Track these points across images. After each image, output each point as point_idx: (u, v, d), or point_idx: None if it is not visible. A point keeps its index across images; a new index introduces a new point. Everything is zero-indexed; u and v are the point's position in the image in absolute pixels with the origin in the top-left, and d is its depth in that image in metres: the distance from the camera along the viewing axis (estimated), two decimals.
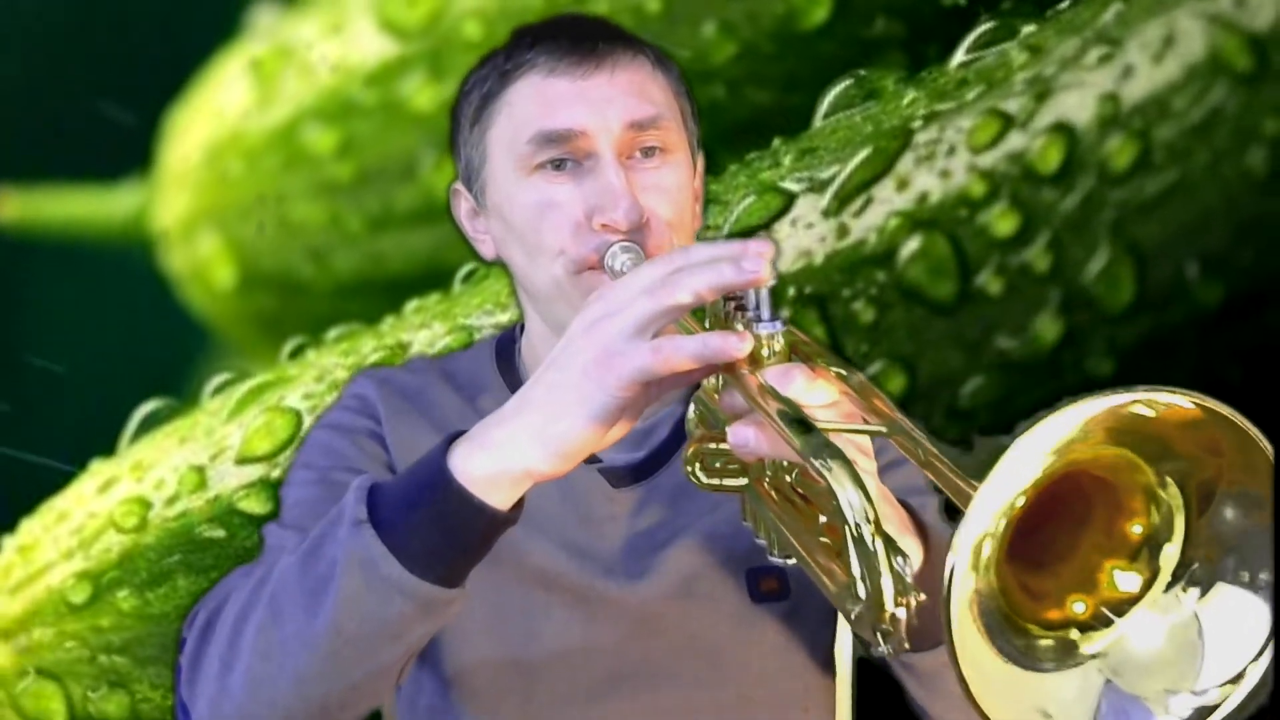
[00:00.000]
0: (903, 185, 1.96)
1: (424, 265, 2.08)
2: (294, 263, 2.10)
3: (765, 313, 0.99)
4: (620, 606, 1.29)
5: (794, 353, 1.01)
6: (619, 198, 1.24)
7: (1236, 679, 0.87)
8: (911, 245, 1.96)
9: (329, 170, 2.07)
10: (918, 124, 1.96)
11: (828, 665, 1.34)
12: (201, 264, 2.12)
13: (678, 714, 1.28)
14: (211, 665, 1.11)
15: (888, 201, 1.96)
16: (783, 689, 1.31)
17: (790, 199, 1.95)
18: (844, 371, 1.00)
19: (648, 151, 1.29)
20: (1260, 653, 0.87)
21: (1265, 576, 0.87)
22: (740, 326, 1.01)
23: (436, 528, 1.03)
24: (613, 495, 1.34)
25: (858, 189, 1.95)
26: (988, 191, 1.96)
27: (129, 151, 2.11)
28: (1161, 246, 2.00)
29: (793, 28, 2.03)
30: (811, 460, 0.89)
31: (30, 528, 2.00)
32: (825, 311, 1.97)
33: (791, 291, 1.94)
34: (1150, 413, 0.82)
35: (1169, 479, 0.87)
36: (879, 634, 0.87)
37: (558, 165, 1.27)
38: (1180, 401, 0.82)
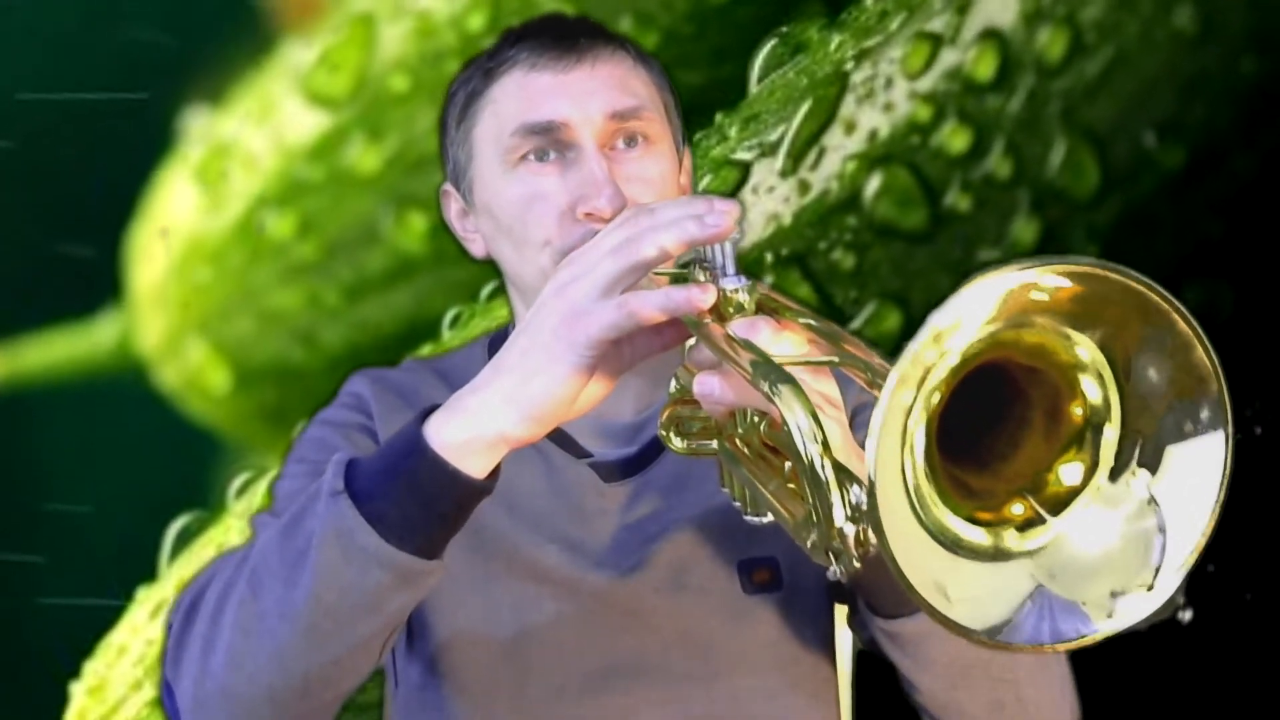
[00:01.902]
0: (850, 128, 1.97)
1: (409, 321, 2.09)
2: (283, 350, 2.11)
3: (730, 267, 1.01)
4: (611, 599, 1.29)
5: (761, 309, 1.01)
6: (602, 186, 1.25)
7: (1187, 561, 0.83)
8: (873, 184, 1.98)
9: (295, 253, 2.09)
10: (850, 65, 1.97)
11: (823, 656, 1.33)
12: (194, 374, 2.13)
13: (671, 706, 1.28)
14: (194, 645, 1.11)
15: (840, 148, 1.97)
16: (777, 681, 1.30)
17: (745, 169, 1.97)
18: (813, 321, 1.00)
19: (630, 141, 1.30)
20: (1214, 500, 0.82)
21: (1206, 413, 0.82)
22: (705, 279, 1.02)
23: (412, 497, 1.03)
24: (604, 490, 1.34)
25: (808, 143, 1.96)
26: (934, 114, 1.97)
27: (97, 284, 2.12)
28: (1115, 124, 2.02)
29: (707, 3, 2.04)
30: (762, 385, 0.89)
31: (94, 669, 2.01)
32: (807, 268, 1.99)
33: (769, 257, 1.95)
34: (1029, 285, 0.79)
35: (1093, 350, 0.84)
36: (831, 554, 0.87)
37: (541, 156, 1.29)
38: (1042, 271, 0.79)
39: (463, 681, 1.30)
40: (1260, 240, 2.08)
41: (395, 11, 2.05)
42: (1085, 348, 0.84)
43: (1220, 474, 0.82)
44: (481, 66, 1.34)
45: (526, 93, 1.30)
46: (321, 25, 2.08)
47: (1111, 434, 0.85)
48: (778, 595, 1.31)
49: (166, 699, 1.16)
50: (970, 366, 0.82)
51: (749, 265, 1.02)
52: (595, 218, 1.25)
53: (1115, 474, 0.85)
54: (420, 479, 1.03)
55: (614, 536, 1.32)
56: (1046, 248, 2.01)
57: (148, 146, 2.08)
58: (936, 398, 0.82)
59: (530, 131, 1.28)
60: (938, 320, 0.79)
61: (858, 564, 0.86)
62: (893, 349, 2.08)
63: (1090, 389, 0.85)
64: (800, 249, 1.98)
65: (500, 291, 2.03)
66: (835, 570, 0.88)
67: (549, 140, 1.28)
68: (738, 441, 1.09)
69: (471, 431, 1.03)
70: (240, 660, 1.08)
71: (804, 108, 1.96)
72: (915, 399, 0.81)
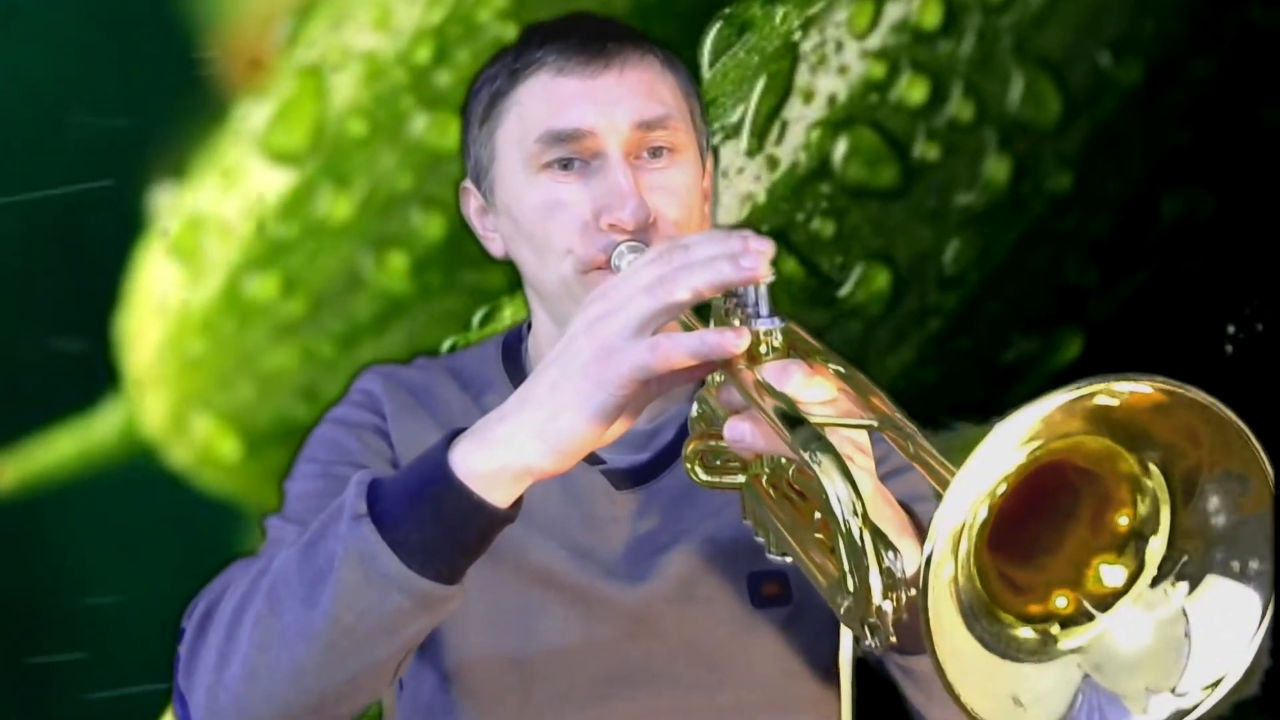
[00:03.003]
0: (809, 97, 1.97)
1: (406, 359, 2.09)
2: (287, 409, 2.11)
3: (764, 309, 1.01)
4: (619, 608, 1.29)
5: (793, 349, 1.01)
6: (626, 197, 1.25)
7: (1216, 683, 0.86)
8: (840, 148, 1.98)
9: (282, 312, 2.09)
10: (798, 35, 1.97)
11: (829, 671, 1.33)
12: (203, 447, 2.13)
13: (677, 716, 1.28)
14: (209, 656, 1.11)
15: (801, 118, 1.98)
16: (783, 694, 1.30)
17: (713, 154, 1.97)
18: (842, 369, 1.00)
19: (655, 151, 1.29)
20: (1247, 649, 0.85)
21: (1256, 566, 0.85)
22: (738, 322, 1.02)
23: (435, 524, 1.03)
24: (615, 497, 1.34)
25: (769, 119, 1.97)
26: (888, 69, 1.98)
27: (93, 375, 2.12)
28: (1068, 49, 2.02)
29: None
30: (801, 453, 0.90)
31: None
32: (789, 242, 1.99)
33: None
34: (1114, 402, 0.82)
35: (1152, 467, 0.86)
36: (866, 627, 0.88)
37: (565, 165, 1.28)
38: (1140, 388, 0.81)
39: (469, 685, 1.30)
40: (1230, 141, 2.08)
41: (341, 58, 2.05)
42: (1149, 466, 0.86)
43: (1254, 630, 0.86)
44: (507, 66, 1.33)
45: (552, 97, 1.29)
46: (271, 83, 2.08)
47: (1158, 544, 0.87)
48: (786, 609, 1.31)
49: (178, 706, 1.16)
50: (1032, 469, 0.84)
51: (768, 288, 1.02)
52: (618, 228, 1.25)
53: (1156, 581, 0.88)
54: (445, 507, 1.03)
55: (624, 544, 1.32)
56: (1023, 183, 2.01)
57: (121, 231, 2.07)
58: (993, 499, 0.84)
59: (555, 139, 1.28)
60: (1005, 429, 0.81)
61: (893, 639, 0.87)
62: (885, 310, 2.07)
63: (1142, 500, 0.87)
64: (779, 224, 1.98)
65: (489, 317, 2.04)
66: (871, 644, 0.88)
67: (574, 148, 1.28)
68: (764, 481, 1.08)
69: (498, 463, 1.03)
70: (256, 675, 1.08)
71: (759, 85, 1.96)
72: (974, 509, 0.83)
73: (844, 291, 2.00)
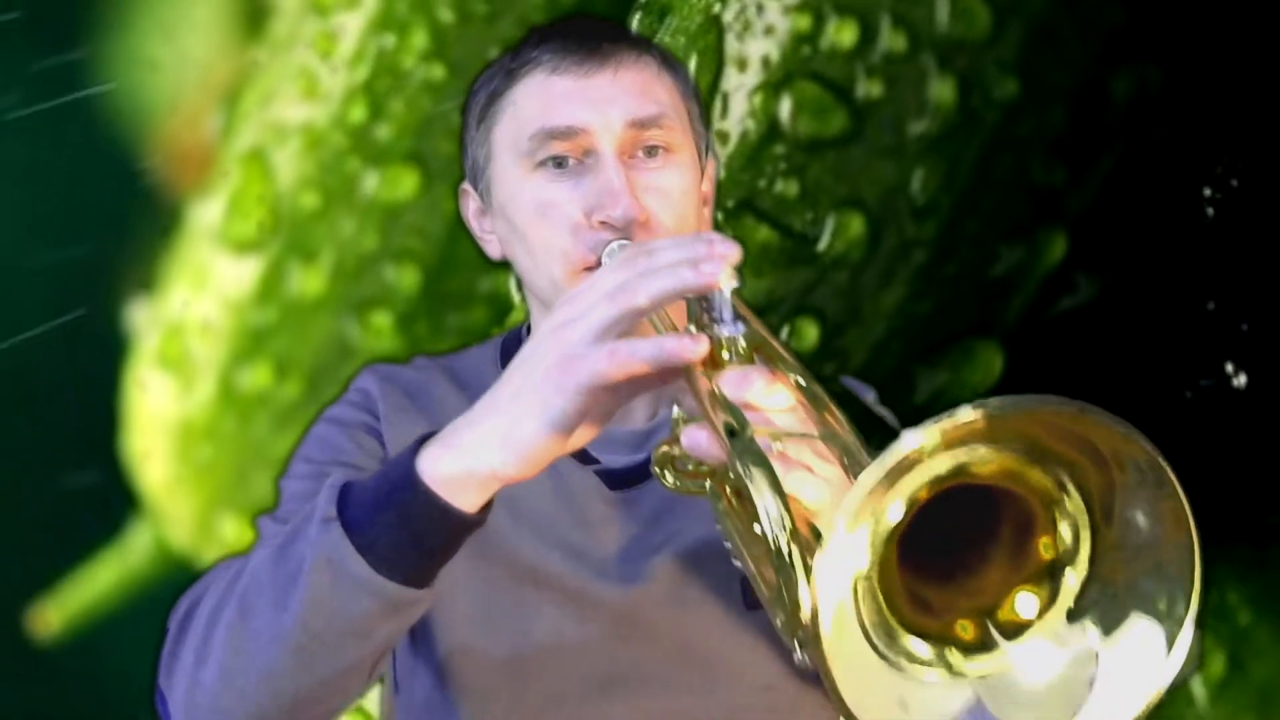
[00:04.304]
0: (743, 65, 1.97)
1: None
2: None
3: (727, 315, 1.00)
4: (613, 609, 1.29)
5: (757, 354, 1.01)
6: (618, 195, 1.24)
7: None
8: (785, 107, 1.98)
9: (280, 397, 2.09)
10: (718, 8, 1.97)
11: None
12: (235, 546, 2.13)
13: (669, 718, 1.28)
14: (187, 657, 1.11)
15: (741, 87, 1.98)
16: (775, 697, 1.30)
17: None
18: (802, 381, 0.99)
19: (651, 151, 1.29)
20: (1150, 696, 0.83)
21: (1183, 610, 0.82)
22: (694, 328, 1.02)
23: (403, 528, 1.03)
24: (609, 498, 1.34)
25: (709, 95, 1.97)
26: (813, 19, 1.98)
27: (111, 502, 2.12)
28: None
29: (559, 3, 2.04)
30: (736, 465, 0.89)
31: None
32: (757, 209, 1.99)
33: (720, 215, 1.95)
34: (997, 420, 0.79)
35: (1070, 488, 0.84)
36: (796, 641, 0.87)
37: (559, 163, 1.28)
38: (971, 415, 0.78)
39: (464, 685, 1.30)
40: (1164, 10, 2.08)
41: (278, 136, 2.05)
42: (1064, 483, 0.84)
43: (1160, 681, 0.82)
44: (504, 66, 1.34)
45: (547, 96, 1.29)
46: (216, 176, 2.08)
47: (1074, 579, 0.85)
48: None
49: (160, 705, 1.17)
50: (936, 491, 0.82)
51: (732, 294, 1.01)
52: (609, 226, 1.25)
53: (1074, 616, 0.86)
54: (411, 511, 1.03)
55: (617, 546, 1.32)
56: (971, 96, 2.01)
57: (105, 357, 2.08)
58: (898, 519, 0.82)
59: (549, 136, 1.28)
60: (902, 444, 0.78)
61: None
62: (866, 253, 2.08)
63: (1063, 525, 0.85)
64: (743, 195, 1.98)
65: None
66: (800, 658, 0.88)
67: (567, 146, 1.28)
68: (728, 489, 1.08)
69: (464, 468, 1.03)
70: (231, 677, 1.09)
71: (691, 64, 1.96)
72: (876, 520, 0.81)
73: (822, 246, 2.00)
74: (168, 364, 2.09)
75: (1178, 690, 2.01)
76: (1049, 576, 0.86)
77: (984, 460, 0.82)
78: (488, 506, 1.05)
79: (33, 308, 2.06)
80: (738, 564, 1.06)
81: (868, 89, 1.99)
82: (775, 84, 1.98)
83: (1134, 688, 0.83)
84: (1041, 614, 0.86)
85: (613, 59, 1.30)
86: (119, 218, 2.08)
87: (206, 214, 2.07)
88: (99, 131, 2.06)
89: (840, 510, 0.79)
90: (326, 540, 1.04)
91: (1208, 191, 2.08)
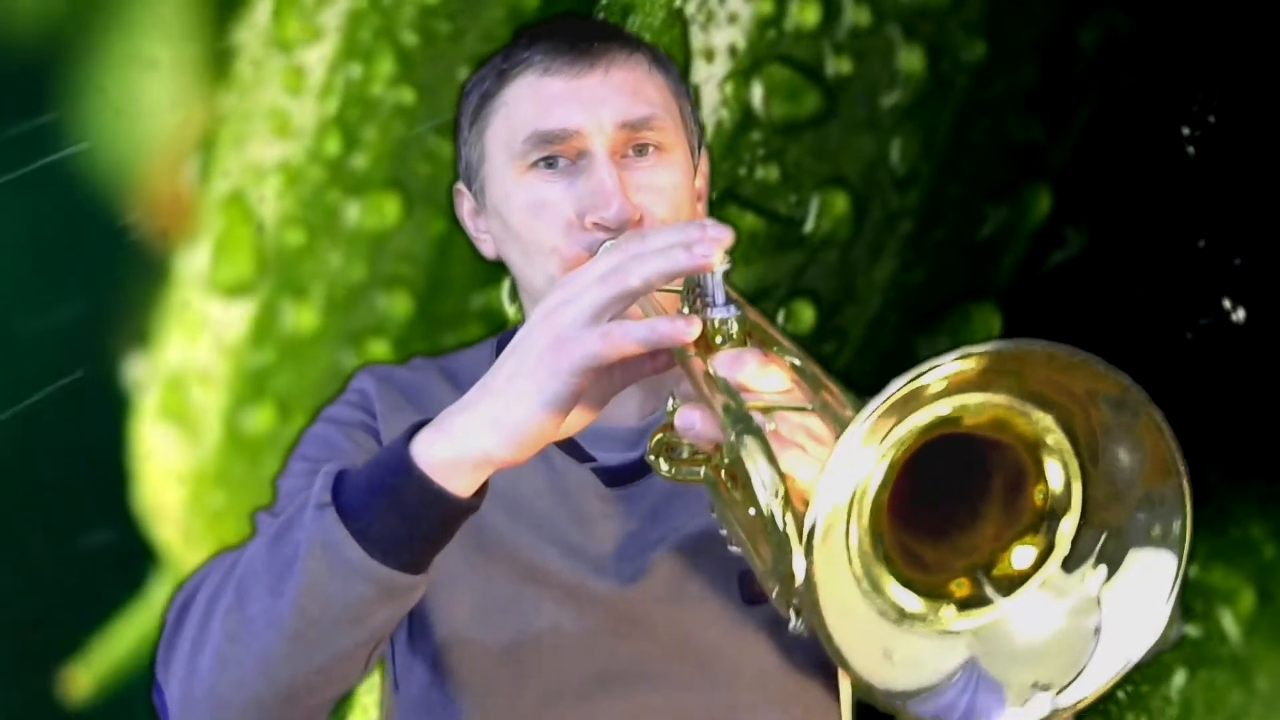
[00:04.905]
0: (710, 56, 1.98)
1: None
2: None
3: (719, 297, 1.00)
4: (611, 606, 1.29)
5: (749, 338, 1.01)
6: (610, 197, 1.25)
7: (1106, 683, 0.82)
8: (757, 93, 1.98)
9: (287, 436, 2.07)
10: (679, 2, 1.98)
11: (822, 669, 1.32)
12: None
13: (668, 714, 1.28)
14: (184, 646, 1.11)
15: (710, 78, 1.98)
16: (775, 692, 1.30)
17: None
18: (797, 360, 0.99)
19: (642, 150, 1.29)
20: (1153, 633, 0.82)
21: (1180, 529, 0.81)
22: (688, 310, 1.02)
23: (397, 513, 1.04)
24: (606, 495, 1.34)
25: None
26: (775, 3, 1.98)
27: (129, 559, 2.12)
28: None
29: (522, 12, 2.04)
30: (730, 435, 0.89)
31: None
32: (740, 198, 1.99)
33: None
34: (958, 374, 0.78)
35: (1055, 429, 0.83)
36: (791, 609, 0.87)
37: (551, 163, 1.29)
38: (962, 365, 0.77)
39: (462, 681, 1.30)
40: None
41: (256, 176, 2.05)
42: (1047, 425, 0.83)
43: (1163, 612, 0.82)
44: (496, 67, 1.34)
45: (539, 98, 1.30)
46: (199, 223, 2.08)
47: (1069, 524, 0.84)
48: None
49: (156, 697, 1.17)
50: (925, 440, 0.82)
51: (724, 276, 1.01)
52: (603, 227, 1.25)
53: (1071, 564, 0.85)
54: (405, 496, 1.03)
55: (614, 542, 1.32)
56: (940, 63, 2.02)
57: (108, 415, 2.08)
58: (887, 468, 0.82)
59: (541, 139, 1.28)
60: (889, 392, 0.78)
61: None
62: (853, 229, 2.08)
63: (1053, 470, 0.84)
64: (725, 184, 1.98)
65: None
66: (796, 625, 0.87)
67: (560, 147, 1.28)
68: (723, 473, 1.07)
69: (457, 452, 1.03)
70: (227, 665, 1.08)
71: None
72: (867, 468, 0.81)
73: (808, 227, 2.00)
74: (171, 415, 2.09)
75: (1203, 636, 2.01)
76: (1044, 526, 0.85)
77: (973, 409, 0.82)
78: (482, 491, 1.06)
79: (31, 374, 2.06)
80: (734, 549, 1.06)
81: (837, 66, 1.99)
82: (744, 71, 1.98)
83: (1137, 627, 0.82)
84: (1039, 565, 0.85)
85: (603, 59, 1.30)
86: (107, 275, 2.08)
87: (194, 263, 2.07)
88: (78, 192, 2.06)
89: (838, 446, 0.79)
90: (321, 526, 1.04)
91: (1186, 130, 2.08)
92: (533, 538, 1.31)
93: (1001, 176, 2.07)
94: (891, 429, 0.80)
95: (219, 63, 2.05)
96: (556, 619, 1.29)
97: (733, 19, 1.97)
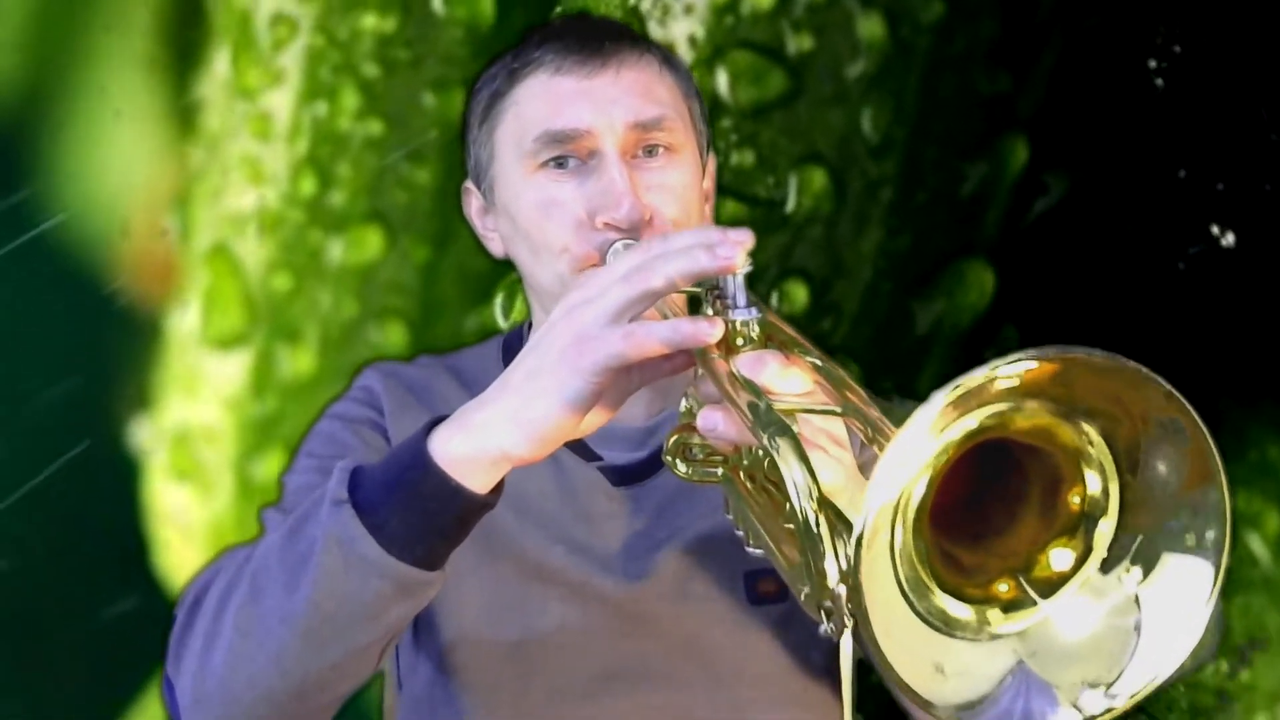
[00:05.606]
0: (671, 48, 1.97)
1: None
2: None
3: (741, 299, 1.00)
4: (617, 604, 1.29)
5: (770, 341, 1.01)
6: (621, 197, 1.25)
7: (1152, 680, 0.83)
8: (722, 80, 1.98)
9: None
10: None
11: (827, 670, 1.32)
12: None
13: (673, 714, 1.28)
14: (195, 642, 1.11)
15: None
16: (779, 692, 1.30)
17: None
18: (819, 362, 0.99)
19: (652, 150, 1.30)
20: (1195, 633, 0.82)
21: (1212, 535, 0.81)
22: (712, 312, 1.02)
23: (414, 509, 1.03)
24: (613, 494, 1.34)
25: None
26: None
27: (155, 623, 2.11)
28: None
29: (479, 30, 2.04)
30: (760, 436, 0.89)
31: None
32: (720, 186, 1.98)
33: None
34: (1014, 382, 0.79)
35: (1095, 437, 0.83)
36: (822, 611, 0.87)
37: (561, 163, 1.29)
38: (1026, 364, 0.77)
39: (467, 680, 1.30)
40: None
41: (236, 226, 2.05)
42: (1090, 436, 0.83)
43: (1204, 611, 0.82)
44: (506, 66, 1.34)
45: (550, 97, 1.30)
46: (185, 280, 2.08)
47: (1107, 526, 0.85)
48: (782, 607, 1.30)
49: (166, 693, 1.16)
50: (968, 446, 0.82)
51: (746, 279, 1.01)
52: (614, 227, 1.26)
53: (1107, 566, 0.85)
54: (423, 492, 1.03)
55: (621, 541, 1.32)
56: (898, 30, 2.01)
57: (120, 482, 2.07)
58: (930, 476, 0.82)
59: (552, 139, 1.28)
60: (937, 400, 0.78)
61: (848, 622, 0.86)
62: (835, 203, 2.08)
63: (1091, 478, 0.84)
64: None
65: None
66: (826, 628, 0.87)
67: (570, 147, 1.28)
68: (741, 474, 1.08)
69: (475, 448, 1.03)
70: (240, 661, 1.08)
71: None
72: (912, 476, 0.81)
73: (790, 207, 2.00)
74: (182, 474, 2.09)
75: (1237, 564, 2.01)
76: (1081, 529, 0.85)
77: (1022, 414, 0.82)
78: (499, 488, 1.05)
79: (37, 450, 2.05)
80: (752, 550, 1.05)
81: (798, 44, 1.99)
82: (707, 60, 1.98)
83: (1179, 624, 0.83)
84: (1077, 568, 0.85)
85: (614, 59, 1.30)
86: (100, 343, 2.08)
87: (184, 319, 2.07)
88: (61, 264, 2.05)
89: (890, 449, 0.78)
90: (337, 521, 1.04)
91: (1153, 63, 2.08)
92: (540, 536, 1.31)
93: (975, 132, 2.07)
94: (946, 429, 0.80)
95: (184, 117, 2.05)
96: (562, 617, 1.29)
97: (689, 10, 1.97)
